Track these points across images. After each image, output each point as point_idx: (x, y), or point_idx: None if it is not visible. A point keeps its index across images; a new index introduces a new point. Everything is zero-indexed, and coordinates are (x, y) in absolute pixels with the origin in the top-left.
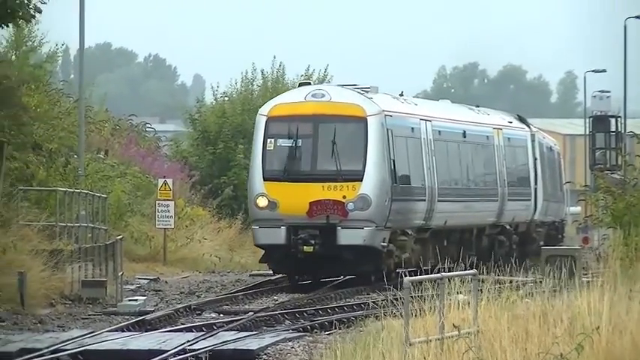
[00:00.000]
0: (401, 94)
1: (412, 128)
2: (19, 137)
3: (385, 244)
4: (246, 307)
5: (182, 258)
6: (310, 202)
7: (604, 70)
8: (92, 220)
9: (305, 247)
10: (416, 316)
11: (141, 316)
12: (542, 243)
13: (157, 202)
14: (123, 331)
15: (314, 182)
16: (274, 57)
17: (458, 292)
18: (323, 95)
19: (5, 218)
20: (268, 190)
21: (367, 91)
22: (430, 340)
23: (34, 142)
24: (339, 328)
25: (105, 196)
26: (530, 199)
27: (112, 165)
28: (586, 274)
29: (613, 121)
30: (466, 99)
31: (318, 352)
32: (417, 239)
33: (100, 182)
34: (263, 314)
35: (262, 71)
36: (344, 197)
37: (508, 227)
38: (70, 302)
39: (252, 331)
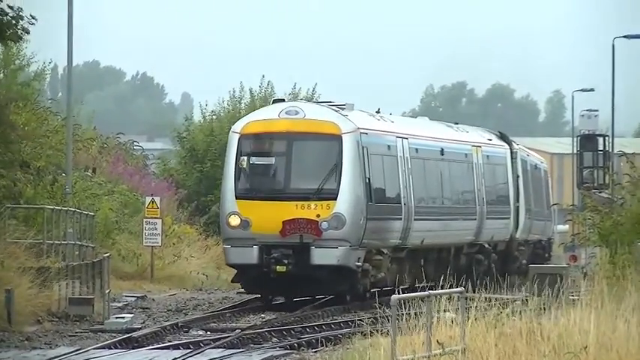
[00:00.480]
0: (377, 112)
1: (388, 146)
2: (7, 155)
3: (360, 263)
4: (234, 324)
5: (169, 275)
6: (283, 221)
7: (592, 90)
8: (79, 237)
9: (278, 266)
10: (403, 333)
11: (128, 333)
12: (524, 262)
13: (145, 219)
14: (110, 348)
15: (287, 201)
16: (263, 76)
17: (445, 310)
18: (297, 112)
19: None
20: (240, 209)
21: (343, 109)
22: (417, 358)
23: (22, 160)
24: (327, 346)
25: (92, 214)
26: (509, 218)
27: (99, 183)
28: (573, 293)
29: (601, 140)
30: (454, 117)
31: None
32: (393, 258)
33: (87, 200)
34: (250, 332)
35: (250, 90)
36: (318, 216)
37: (487, 246)
38: (57, 320)
39: (239, 348)
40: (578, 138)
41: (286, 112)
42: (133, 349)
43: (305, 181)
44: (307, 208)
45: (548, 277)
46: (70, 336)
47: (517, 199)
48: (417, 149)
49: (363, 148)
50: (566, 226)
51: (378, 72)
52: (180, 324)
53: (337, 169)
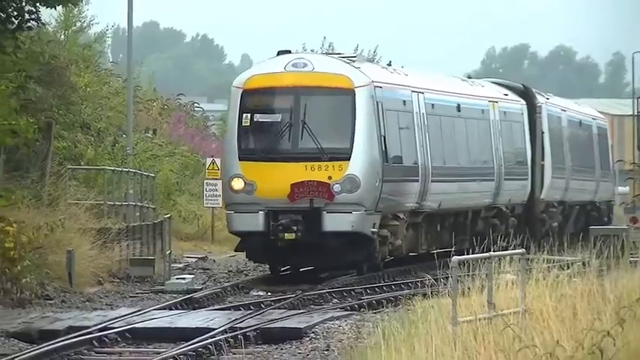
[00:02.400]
0: (389, 64)
1: (404, 101)
2: (68, 116)
3: (376, 229)
4: (294, 285)
5: (230, 237)
6: (292, 184)
7: None
8: (140, 199)
9: (286, 234)
10: (462, 295)
11: (188, 294)
12: (555, 224)
13: (205, 181)
14: (170, 309)
15: (295, 162)
16: (324, 37)
17: (505, 272)
18: (305, 65)
19: (53, 197)
20: (244, 171)
21: (353, 61)
22: (478, 320)
23: (83, 122)
24: (387, 307)
25: (153, 175)
26: (527, 178)
27: (160, 144)
28: (634, 254)
29: None
30: (514, 79)
31: (365, 331)
32: (410, 224)
33: (148, 161)
34: (311, 293)
35: (312, 51)
36: (329, 178)
37: (504, 209)
38: (117, 280)
39: (299, 309)
40: (638, 99)
41: (293, 65)
42: (194, 309)
43: (314, 140)
44: (317, 170)
45: (609, 238)
46: (130, 297)
47: (542, 157)
48: (432, 105)
49: (377, 103)
50: (627, 188)
51: (437, 32)
52: (240, 285)
53: (350, 126)
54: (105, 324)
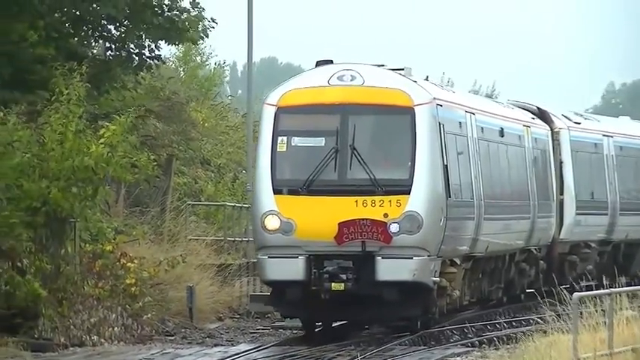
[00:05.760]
0: (426, 79)
1: (460, 123)
2: (188, 152)
3: (437, 278)
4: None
5: None
6: (339, 224)
7: None
8: None
9: (333, 284)
10: (582, 332)
11: None
12: (590, 267)
13: None
14: (291, 345)
15: (344, 196)
16: (443, 73)
17: (624, 308)
18: (353, 77)
19: (173, 232)
20: (281, 207)
21: (402, 75)
22: (598, 356)
23: (203, 158)
24: (507, 344)
25: None
26: (552, 215)
27: None
28: None
29: None
30: (633, 115)
31: None
32: (465, 271)
33: None
34: (432, 330)
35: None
36: (385, 216)
37: (534, 251)
38: (238, 316)
39: (420, 345)
40: None
41: (338, 78)
42: (315, 346)
43: (367, 170)
44: (371, 206)
45: None
46: (251, 333)
47: (561, 191)
48: (482, 128)
49: (439, 124)
50: None
51: (549, 68)
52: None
53: (410, 152)
54: None
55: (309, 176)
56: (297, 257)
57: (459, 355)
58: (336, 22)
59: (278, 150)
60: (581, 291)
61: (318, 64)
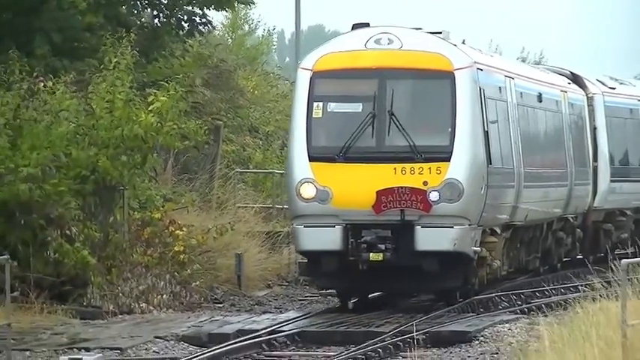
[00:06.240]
0: (463, 42)
1: (499, 88)
2: (236, 120)
3: (478, 248)
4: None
5: None
6: (377, 192)
7: None
8: None
9: (371, 254)
10: (630, 298)
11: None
12: (624, 235)
13: None
14: (340, 312)
15: (382, 163)
16: (490, 40)
17: None
18: (391, 41)
19: (222, 200)
20: (317, 175)
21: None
22: None
23: (251, 125)
24: (556, 310)
25: None
26: (589, 183)
27: None
28: None
29: None
30: None
31: (534, 334)
32: (506, 241)
33: None
34: (481, 296)
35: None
36: (425, 184)
37: (571, 220)
38: (286, 284)
39: (469, 313)
40: None
41: (375, 41)
42: (362, 313)
43: (405, 136)
44: (410, 173)
45: None
46: (299, 300)
47: (595, 158)
48: (521, 93)
49: (480, 89)
50: None
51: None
52: None
53: (450, 118)
54: (274, 327)
55: (345, 143)
56: (334, 226)
57: (507, 322)
58: None
59: (314, 116)
60: (616, 260)
61: (355, 27)
